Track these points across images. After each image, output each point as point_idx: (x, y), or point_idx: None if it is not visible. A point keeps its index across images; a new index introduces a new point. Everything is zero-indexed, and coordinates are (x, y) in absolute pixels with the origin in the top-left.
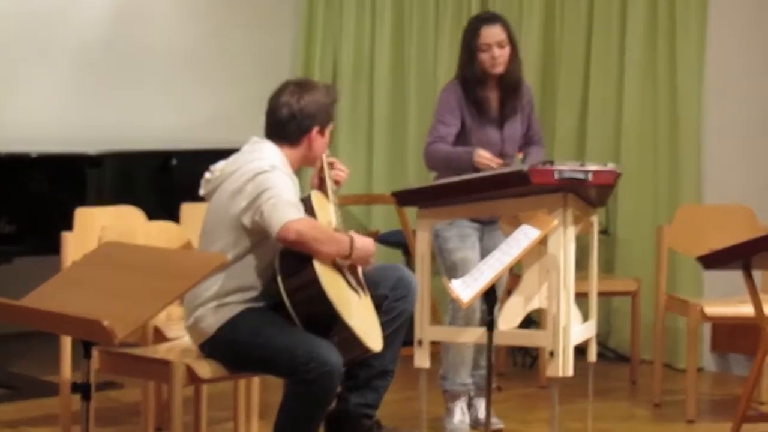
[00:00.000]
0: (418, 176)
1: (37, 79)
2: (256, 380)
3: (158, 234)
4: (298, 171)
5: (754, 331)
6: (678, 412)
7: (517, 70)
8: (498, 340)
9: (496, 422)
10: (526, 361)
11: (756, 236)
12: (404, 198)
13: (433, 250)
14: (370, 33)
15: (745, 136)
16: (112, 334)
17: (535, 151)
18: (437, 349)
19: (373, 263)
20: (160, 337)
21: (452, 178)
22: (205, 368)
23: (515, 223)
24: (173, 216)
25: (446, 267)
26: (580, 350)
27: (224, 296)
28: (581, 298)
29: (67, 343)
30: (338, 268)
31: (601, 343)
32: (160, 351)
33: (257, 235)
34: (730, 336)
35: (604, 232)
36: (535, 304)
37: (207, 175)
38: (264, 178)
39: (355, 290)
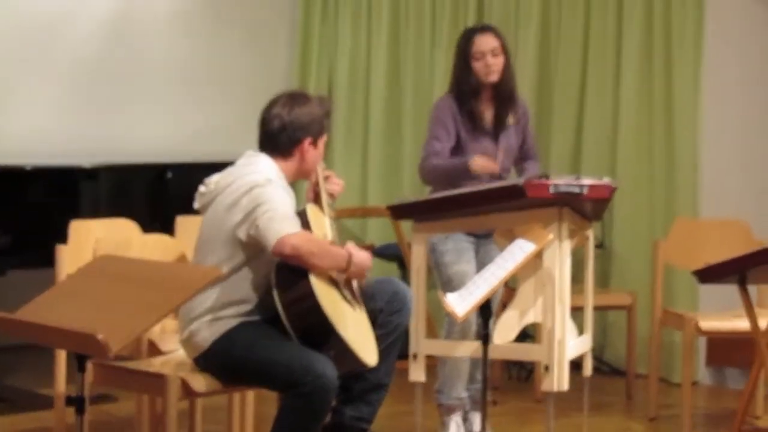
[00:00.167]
0: (414, 189)
1: (32, 93)
2: (250, 394)
3: (153, 247)
4: (293, 184)
5: (750, 345)
6: (674, 426)
7: (511, 80)
8: (493, 354)
9: None
10: (521, 375)
11: (751, 250)
12: (399, 211)
13: (429, 264)
14: (366, 47)
15: (741, 149)
16: (106, 348)
17: (531, 166)
18: (433, 363)
19: (369, 277)
20: (154, 350)
21: (448, 192)
22: (199, 382)
23: (510, 237)
24: (168, 229)
25: (442, 281)
26: (576, 364)
27: (219, 310)
28: (577, 312)
29: (61, 356)
30: (334, 281)
31: (597, 357)
32: (155, 364)
33: (252, 249)
34: (726, 350)
35: (599, 245)
36: (530, 318)
37: (201, 188)
38: (260, 191)
39: (351, 304)
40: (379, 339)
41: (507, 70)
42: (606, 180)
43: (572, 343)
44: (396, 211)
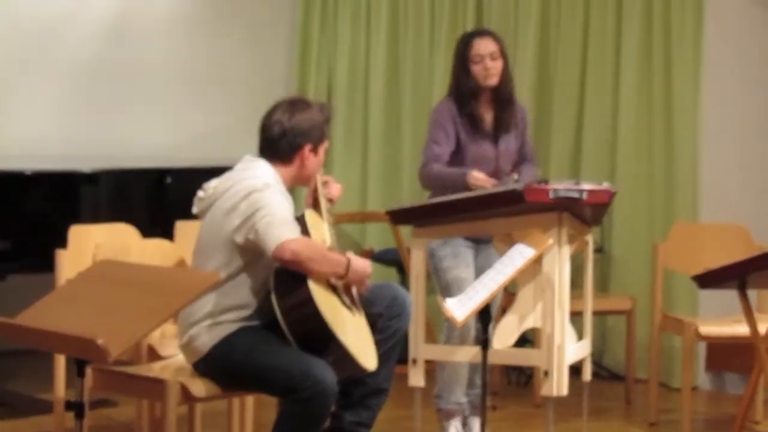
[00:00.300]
0: (413, 191)
1: (31, 97)
2: (250, 399)
3: (153, 252)
4: (291, 190)
5: (749, 350)
6: (673, 431)
7: (510, 84)
8: (493, 359)
9: None
10: (520, 380)
11: (751, 255)
12: (399, 217)
13: (428, 269)
14: (365, 50)
15: (741, 153)
16: (106, 353)
17: (527, 169)
18: (432, 368)
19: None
20: (154, 355)
21: (447, 197)
22: (199, 387)
23: (510, 242)
24: (168, 234)
25: (441, 286)
26: (575, 369)
27: (219, 315)
28: (576, 316)
29: (61, 361)
30: (333, 286)
31: (596, 362)
32: (154, 369)
33: (251, 254)
34: (725, 355)
35: (598, 250)
36: (529, 323)
37: (200, 193)
38: (258, 196)
39: (350, 309)
40: (379, 344)
41: (505, 74)
42: (605, 185)
43: (572, 348)
44: (395, 216)
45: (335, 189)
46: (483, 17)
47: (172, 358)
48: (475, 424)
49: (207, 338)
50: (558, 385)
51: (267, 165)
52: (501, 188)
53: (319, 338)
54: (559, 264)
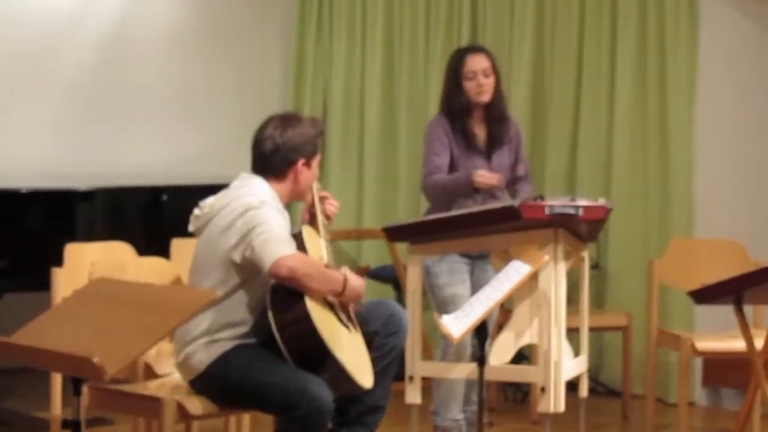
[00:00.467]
0: (410, 208)
1: (27, 116)
2: (246, 417)
3: (149, 270)
4: (288, 206)
5: (746, 365)
6: None
7: (503, 101)
8: (489, 375)
9: None
10: (517, 397)
11: (747, 271)
12: (395, 233)
13: (424, 286)
14: (361, 67)
15: (736, 169)
16: (102, 371)
17: (523, 188)
18: (428, 384)
19: (363, 302)
20: (150, 373)
21: (443, 214)
22: (195, 405)
23: (506, 258)
24: (164, 252)
25: (437, 303)
26: (572, 385)
27: (215, 332)
28: (572, 333)
29: (57, 379)
30: (329, 303)
31: (593, 378)
32: (151, 387)
33: (247, 271)
34: (722, 370)
35: (594, 266)
36: (526, 340)
37: (196, 211)
38: (254, 214)
39: (346, 326)
40: (375, 361)
41: (498, 90)
42: (601, 201)
43: (568, 364)
44: (391, 233)
45: (333, 206)
46: (478, 35)
47: (169, 376)
48: None
49: (203, 356)
50: (555, 401)
51: (263, 182)
52: (497, 205)
53: (316, 355)
54: (555, 280)
